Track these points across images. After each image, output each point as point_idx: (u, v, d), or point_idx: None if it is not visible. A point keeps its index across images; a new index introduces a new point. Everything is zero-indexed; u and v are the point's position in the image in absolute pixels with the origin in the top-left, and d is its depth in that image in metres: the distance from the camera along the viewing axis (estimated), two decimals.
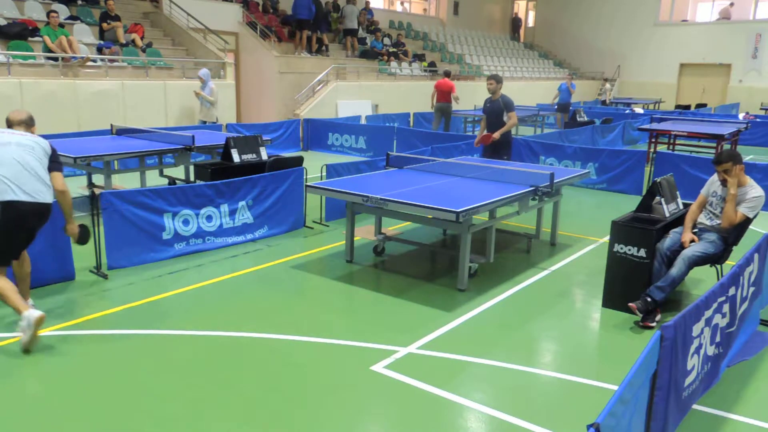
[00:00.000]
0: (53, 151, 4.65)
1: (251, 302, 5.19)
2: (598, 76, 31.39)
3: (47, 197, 4.52)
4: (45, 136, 9.25)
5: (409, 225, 7.60)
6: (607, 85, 25.14)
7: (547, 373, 4.13)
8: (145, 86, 12.78)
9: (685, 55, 29.05)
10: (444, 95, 15.36)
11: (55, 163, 4.62)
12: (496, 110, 8.32)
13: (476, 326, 4.81)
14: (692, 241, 5.00)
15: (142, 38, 14.01)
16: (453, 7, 30.25)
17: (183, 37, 15.28)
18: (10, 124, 4.71)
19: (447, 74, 15.90)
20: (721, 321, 3.71)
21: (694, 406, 3.66)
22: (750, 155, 14.61)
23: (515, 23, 32.83)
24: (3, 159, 4.39)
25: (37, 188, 4.44)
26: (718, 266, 5.18)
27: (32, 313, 4.17)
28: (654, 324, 4.87)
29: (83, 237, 4.87)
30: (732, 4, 28.09)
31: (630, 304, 4.86)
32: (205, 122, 12.16)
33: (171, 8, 15.51)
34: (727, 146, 6.48)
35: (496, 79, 8.30)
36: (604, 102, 24.21)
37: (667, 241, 5.07)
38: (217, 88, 12.23)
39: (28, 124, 4.74)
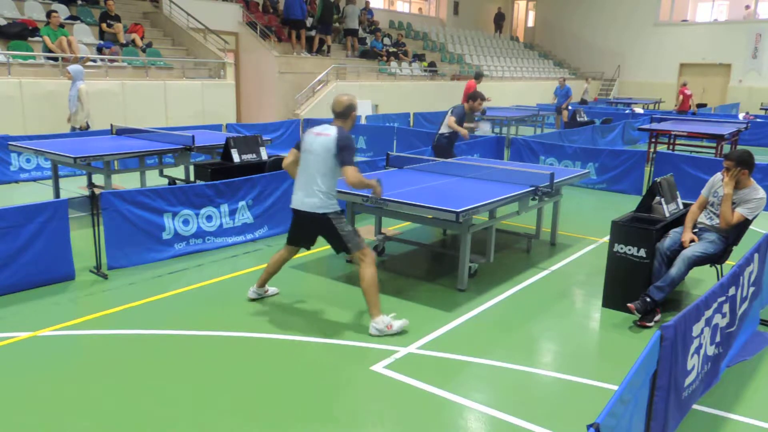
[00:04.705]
0: (336, 142, 4.54)
1: (251, 302, 5.18)
2: (598, 76, 31.40)
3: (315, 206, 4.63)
4: (45, 136, 9.36)
5: (409, 225, 7.60)
6: (586, 85, 24.32)
7: (547, 373, 4.13)
8: (145, 86, 12.78)
9: (685, 55, 29.05)
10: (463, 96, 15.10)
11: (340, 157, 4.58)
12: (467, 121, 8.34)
13: (476, 326, 4.81)
14: (692, 241, 5.00)
15: (142, 38, 14.01)
16: (453, 7, 30.26)
17: (183, 37, 15.28)
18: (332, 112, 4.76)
19: (476, 76, 15.19)
20: (721, 321, 3.71)
21: (694, 406, 3.65)
22: None
23: (498, 19, 32.29)
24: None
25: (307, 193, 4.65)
26: (718, 266, 5.17)
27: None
28: (652, 324, 4.87)
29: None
30: (747, 7, 27.97)
31: (629, 304, 4.86)
32: (75, 128, 10.38)
33: (171, 8, 15.51)
34: (743, 147, 6.31)
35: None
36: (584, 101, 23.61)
37: (667, 241, 5.07)
38: (87, 88, 10.36)
39: (342, 115, 4.70)
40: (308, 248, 5.06)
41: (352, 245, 4.66)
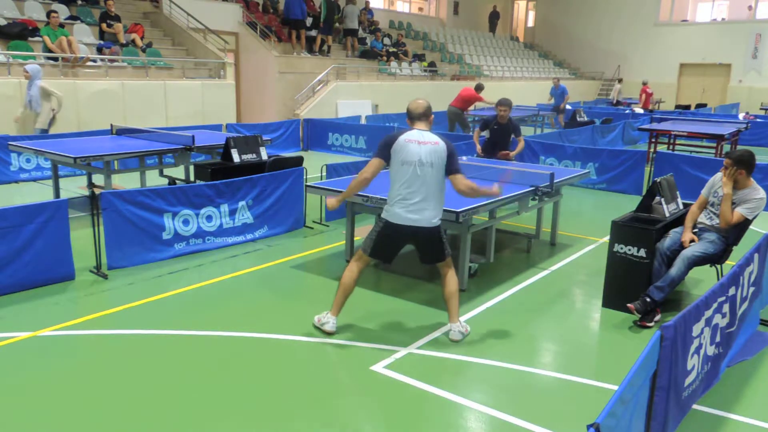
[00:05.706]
0: (447, 150, 4.27)
1: (251, 302, 5.19)
2: (598, 76, 31.39)
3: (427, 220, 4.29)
4: (45, 136, 9.33)
5: None
6: (617, 85, 24.79)
7: (547, 373, 4.12)
8: (145, 86, 12.78)
9: (685, 55, 29.04)
10: (458, 100, 14.83)
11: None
12: (505, 133, 8.45)
13: (476, 326, 4.81)
14: (692, 241, 5.00)
15: (142, 38, 14.01)
16: (453, 7, 30.25)
17: (183, 37, 15.28)
18: (411, 117, 4.41)
19: (476, 88, 15.06)
20: (721, 321, 3.71)
21: (694, 406, 3.65)
22: None
23: (493, 17, 32.03)
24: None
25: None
26: (718, 266, 5.17)
27: (329, 324, 4.53)
28: (652, 324, 4.87)
29: None
30: (750, 7, 27.94)
31: (629, 305, 4.86)
32: (46, 131, 10.03)
33: (171, 8, 15.51)
34: (744, 147, 6.41)
35: (510, 105, 8.31)
36: (618, 103, 23.88)
37: (667, 241, 5.07)
38: (50, 86, 9.89)
39: (425, 116, 4.40)
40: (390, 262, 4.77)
41: (447, 251, 4.50)
